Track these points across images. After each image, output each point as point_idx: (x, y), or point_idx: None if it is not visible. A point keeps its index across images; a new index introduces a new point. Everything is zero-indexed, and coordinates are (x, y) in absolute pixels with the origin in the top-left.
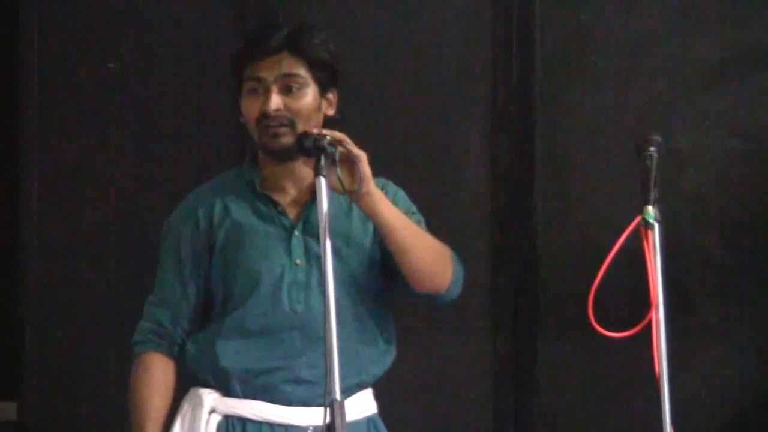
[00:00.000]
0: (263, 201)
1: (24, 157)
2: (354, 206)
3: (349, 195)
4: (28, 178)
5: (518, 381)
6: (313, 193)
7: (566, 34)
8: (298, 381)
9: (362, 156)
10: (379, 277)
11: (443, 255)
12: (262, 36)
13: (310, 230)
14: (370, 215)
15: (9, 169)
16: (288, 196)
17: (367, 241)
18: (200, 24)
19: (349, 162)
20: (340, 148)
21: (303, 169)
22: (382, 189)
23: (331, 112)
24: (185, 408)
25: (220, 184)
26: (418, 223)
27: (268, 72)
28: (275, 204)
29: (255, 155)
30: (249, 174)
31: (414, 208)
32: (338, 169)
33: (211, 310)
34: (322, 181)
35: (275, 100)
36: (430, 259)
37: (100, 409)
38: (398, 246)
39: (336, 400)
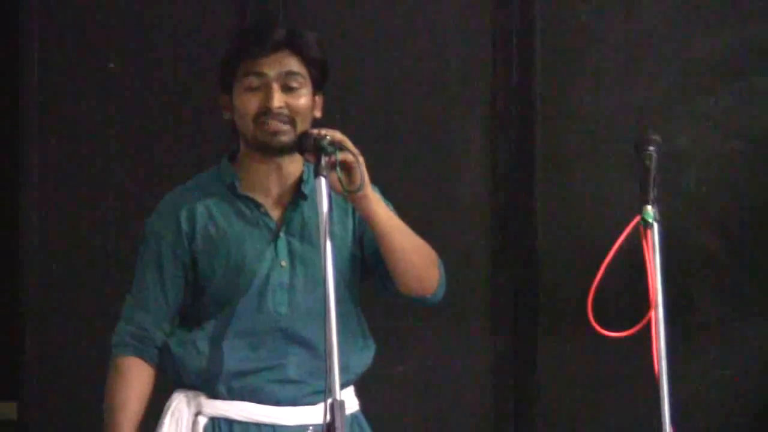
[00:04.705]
0: (245, 203)
1: (24, 157)
2: (335, 206)
3: (348, 196)
4: (28, 178)
5: (518, 381)
6: (295, 193)
7: (566, 34)
8: (284, 381)
9: (361, 159)
10: (358, 275)
11: (431, 258)
12: (262, 33)
13: (293, 231)
14: (366, 217)
15: (9, 169)
16: (270, 197)
17: (348, 240)
18: (200, 24)
19: (348, 164)
20: (341, 155)
21: (288, 168)
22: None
23: (318, 114)
24: (170, 411)
25: (199, 186)
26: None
27: (270, 68)
28: (258, 205)
29: (232, 155)
30: (228, 175)
31: (390, 206)
32: (338, 170)
33: (194, 313)
34: (323, 181)
35: (278, 97)
36: (420, 261)
37: (100, 409)
38: (392, 248)
39: (337, 399)
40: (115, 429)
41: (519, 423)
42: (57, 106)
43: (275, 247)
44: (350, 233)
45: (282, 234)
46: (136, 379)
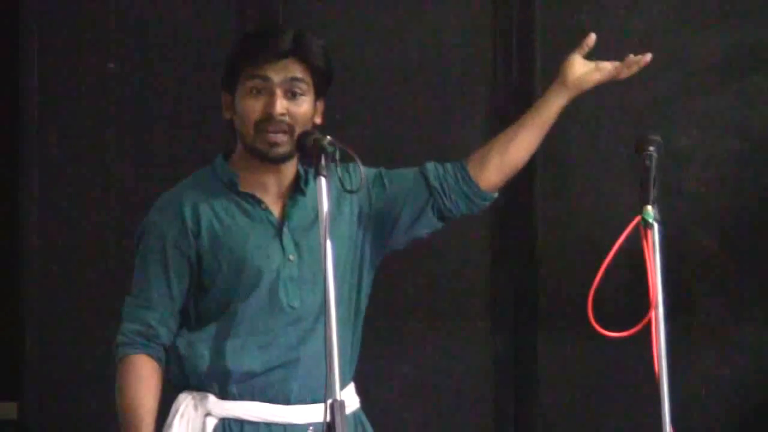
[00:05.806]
0: (246, 199)
1: (24, 157)
2: (342, 202)
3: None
4: (28, 178)
5: (518, 381)
6: (293, 189)
7: (566, 34)
8: (294, 379)
9: None
10: (375, 257)
11: None
12: (268, 38)
13: (295, 226)
14: (552, 102)
15: (9, 169)
16: (269, 194)
17: (359, 234)
18: (200, 24)
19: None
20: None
21: (287, 168)
22: (372, 176)
23: (318, 120)
24: (179, 413)
25: (198, 184)
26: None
27: (275, 73)
28: (259, 202)
29: (227, 154)
30: (226, 174)
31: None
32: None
33: (198, 314)
34: (323, 181)
35: (281, 104)
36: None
37: (100, 409)
38: (531, 143)
39: (337, 399)
40: (137, 425)
41: (519, 423)
42: (57, 106)
43: (281, 243)
44: (356, 216)
45: (285, 229)
46: (148, 375)
